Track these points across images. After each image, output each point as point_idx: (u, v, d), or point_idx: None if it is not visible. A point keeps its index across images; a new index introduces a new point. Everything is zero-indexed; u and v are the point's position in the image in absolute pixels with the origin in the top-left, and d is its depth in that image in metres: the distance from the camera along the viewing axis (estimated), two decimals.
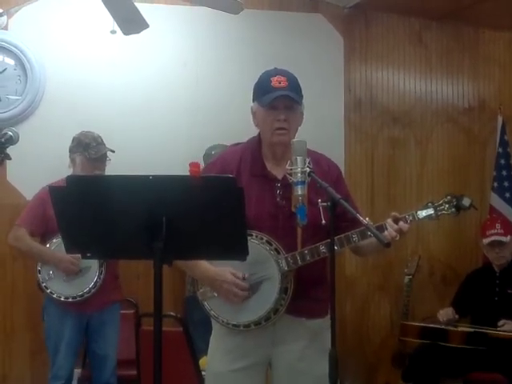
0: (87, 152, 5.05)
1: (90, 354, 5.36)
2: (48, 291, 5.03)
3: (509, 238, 6.08)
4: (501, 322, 5.76)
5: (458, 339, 5.75)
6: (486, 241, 6.17)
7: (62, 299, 5.01)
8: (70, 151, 5.16)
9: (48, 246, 5.02)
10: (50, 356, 5.18)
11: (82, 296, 5.00)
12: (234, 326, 3.27)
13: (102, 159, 5.11)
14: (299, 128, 3.36)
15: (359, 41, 6.91)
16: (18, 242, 5.13)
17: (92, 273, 5.01)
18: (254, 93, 3.36)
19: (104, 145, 5.16)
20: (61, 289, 5.01)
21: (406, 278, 6.48)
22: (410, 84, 7.06)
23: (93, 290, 5.01)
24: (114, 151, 5.16)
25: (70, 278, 4.99)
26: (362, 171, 6.86)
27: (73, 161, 5.13)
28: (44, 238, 5.07)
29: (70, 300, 5.01)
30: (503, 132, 7.08)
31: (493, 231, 6.15)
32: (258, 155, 3.35)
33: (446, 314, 6.02)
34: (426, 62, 7.09)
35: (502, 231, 6.11)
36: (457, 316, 6.04)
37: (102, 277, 5.03)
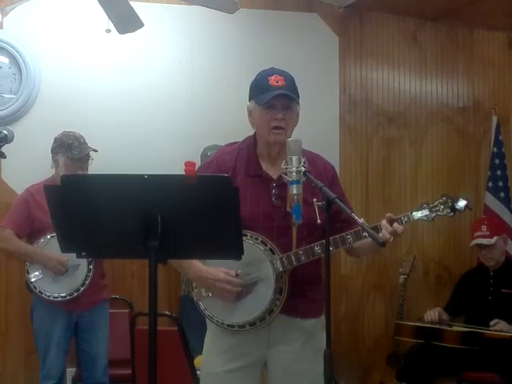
0: (70, 152, 5.02)
1: (80, 353, 5.34)
2: (37, 291, 5.02)
3: (494, 239, 6.06)
4: (493, 322, 5.77)
5: (452, 339, 5.75)
6: (472, 243, 6.20)
7: (51, 298, 4.99)
8: (52, 152, 5.13)
9: (35, 245, 5.01)
10: (40, 356, 5.15)
11: (71, 295, 4.99)
12: (228, 326, 3.26)
13: (85, 159, 5.09)
14: (294, 128, 3.35)
15: (354, 40, 6.92)
16: (5, 243, 5.11)
17: (80, 271, 5.00)
18: (250, 92, 3.35)
19: (86, 144, 5.12)
20: (50, 288, 5.00)
21: (401, 278, 6.48)
22: (405, 84, 7.06)
23: (82, 289, 4.99)
24: (96, 151, 5.12)
25: (59, 276, 4.98)
26: (357, 171, 6.86)
27: (56, 161, 5.09)
28: (30, 238, 5.06)
29: (60, 299, 4.99)
30: (498, 132, 7.09)
31: (478, 233, 6.16)
32: (253, 155, 3.34)
33: (431, 314, 6.03)
34: (420, 61, 7.10)
35: (488, 233, 6.09)
36: (449, 316, 6.06)
37: (90, 275, 5.02)
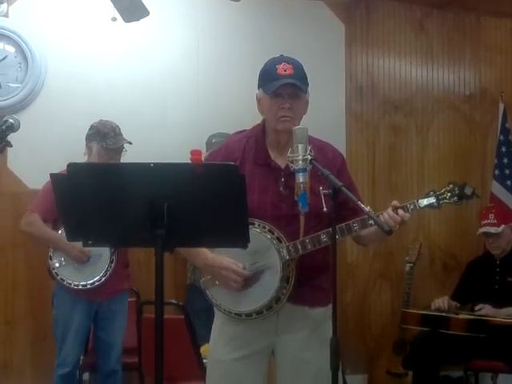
0: (105, 142, 5.05)
1: (96, 341, 5.35)
2: (59, 278, 5.02)
3: (502, 227, 6.04)
4: (478, 306, 5.82)
5: (458, 326, 5.75)
6: (479, 231, 6.19)
7: (72, 286, 5.00)
8: (86, 139, 5.15)
9: (60, 232, 5.01)
10: (57, 343, 5.15)
11: (92, 284, 5.00)
12: (236, 314, 3.27)
13: (119, 150, 5.11)
14: (303, 116, 3.34)
15: (360, 28, 6.90)
16: (31, 227, 5.10)
17: (103, 261, 5.02)
18: (259, 80, 3.35)
19: (122, 136, 5.14)
20: (72, 276, 5.01)
21: (407, 266, 6.47)
22: (412, 71, 7.05)
23: (103, 279, 5.01)
24: (131, 143, 5.14)
25: (81, 265, 4.99)
26: (364, 159, 6.85)
27: (89, 149, 5.11)
28: (56, 224, 5.06)
29: (80, 287, 5.00)
30: (504, 119, 7.07)
31: (485, 221, 6.14)
32: (262, 144, 3.34)
33: (439, 302, 6.02)
34: (427, 49, 7.08)
35: (495, 221, 6.08)
36: (457, 304, 6.07)
37: (112, 265, 5.03)
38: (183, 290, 5.92)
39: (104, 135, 5.06)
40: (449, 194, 3.31)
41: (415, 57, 7.06)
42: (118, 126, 5.16)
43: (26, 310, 5.95)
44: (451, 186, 3.33)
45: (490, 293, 6.02)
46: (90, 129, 5.15)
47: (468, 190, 3.32)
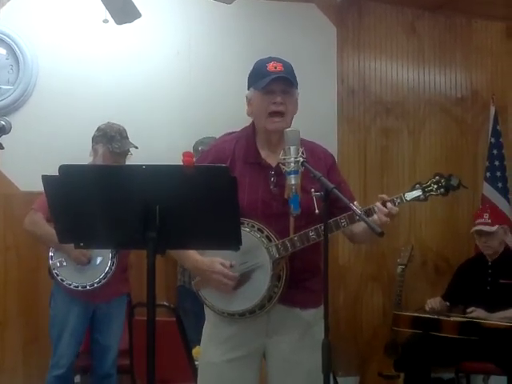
0: (111, 145, 5.05)
1: (92, 343, 5.33)
2: (58, 278, 5.01)
3: (496, 227, 6.06)
4: (469, 309, 5.83)
5: (450, 329, 5.76)
6: (473, 229, 6.20)
7: (71, 287, 4.98)
8: (93, 140, 5.15)
9: None
10: (52, 344, 5.13)
11: (92, 286, 4.98)
12: (229, 314, 3.26)
13: (124, 154, 5.11)
14: (294, 115, 3.35)
15: (352, 31, 6.91)
16: (34, 226, 5.07)
17: (103, 264, 5.01)
18: (249, 80, 3.35)
19: (128, 140, 5.15)
20: (71, 277, 4.99)
21: (399, 268, 6.48)
22: (403, 74, 7.06)
23: (103, 281, 4.99)
24: (137, 147, 5.15)
25: (82, 267, 4.99)
26: (355, 162, 6.86)
27: (95, 150, 5.11)
28: None
29: (80, 289, 4.99)
30: (496, 122, 7.09)
31: (480, 220, 6.17)
32: (252, 143, 3.35)
33: (432, 302, 6.05)
34: (418, 51, 7.10)
35: (489, 221, 6.10)
36: (447, 303, 6.08)
37: (113, 268, 5.02)
38: (174, 292, 5.92)
39: (110, 138, 5.07)
40: (435, 186, 3.30)
41: (407, 59, 7.07)
42: (124, 130, 5.17)
43: (17, 311, 5.93)
44: (437, 177, 3.32)
45: (482, 295, 6.02)
46: (97, 130, 5.16)
47: (454, 181, 3.30)
